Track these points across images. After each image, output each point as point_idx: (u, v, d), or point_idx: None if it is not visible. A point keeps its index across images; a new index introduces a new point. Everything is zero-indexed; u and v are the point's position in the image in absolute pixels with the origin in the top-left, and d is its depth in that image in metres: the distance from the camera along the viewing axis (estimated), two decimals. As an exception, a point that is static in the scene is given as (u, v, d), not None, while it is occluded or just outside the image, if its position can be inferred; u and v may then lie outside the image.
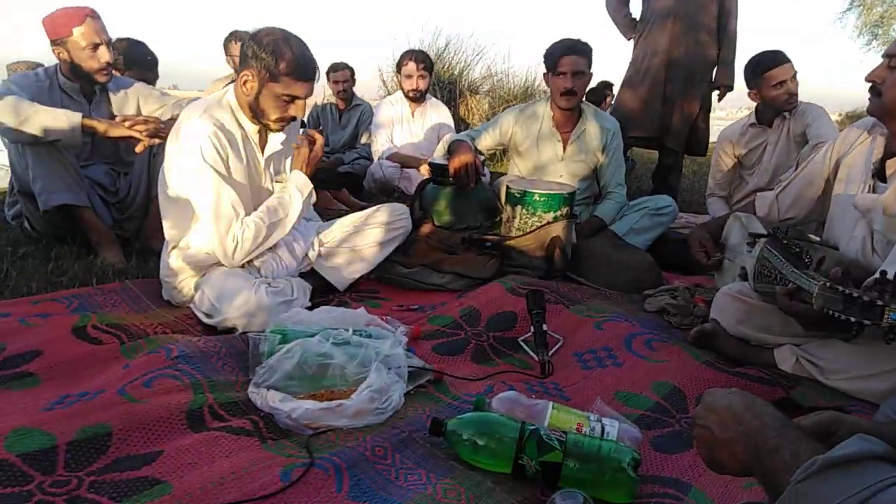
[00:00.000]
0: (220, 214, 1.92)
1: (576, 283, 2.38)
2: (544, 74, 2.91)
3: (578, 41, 2.82)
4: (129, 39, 3.41)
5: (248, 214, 1.99)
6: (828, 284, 1.21)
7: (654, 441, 1.41)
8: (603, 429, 1.31)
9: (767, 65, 2.90)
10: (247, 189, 2.01)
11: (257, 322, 1.83)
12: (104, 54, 2.47)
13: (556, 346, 1.84)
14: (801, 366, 1.67)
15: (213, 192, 1.90)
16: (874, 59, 1.99)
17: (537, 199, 2.53)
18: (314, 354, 1.49)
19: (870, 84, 1.72)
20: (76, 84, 2.53)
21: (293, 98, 1.92)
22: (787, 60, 2.91)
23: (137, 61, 3.34)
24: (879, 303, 1.10)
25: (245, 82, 1.91)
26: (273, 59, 1.86)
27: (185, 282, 2.03)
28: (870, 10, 15.54)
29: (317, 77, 1.96)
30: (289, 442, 1.29)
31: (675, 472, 1.30)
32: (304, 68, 1.90)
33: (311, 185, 2.11)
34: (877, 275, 1.14)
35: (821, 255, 1.55)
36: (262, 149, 2.08)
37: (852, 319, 1.14)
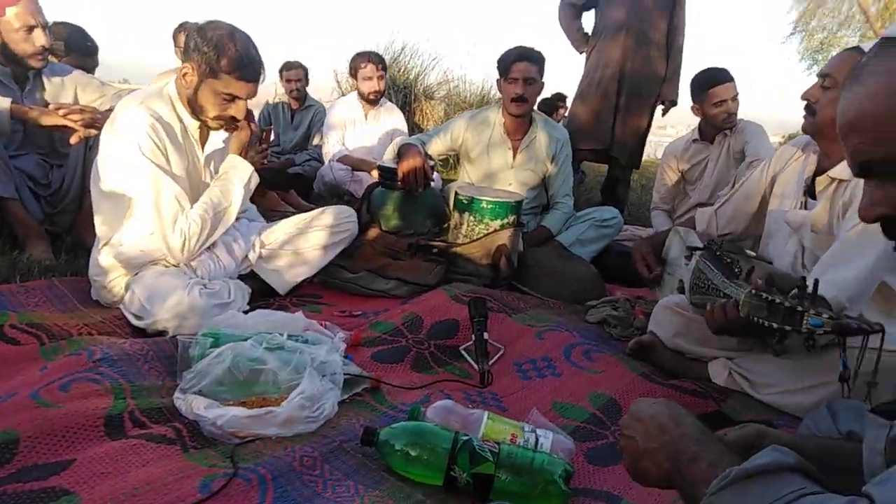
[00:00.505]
0: (162, 210, 1.85)
1: (520, 293, 2.39)
2: (497, 80, 2.92)
3: (531, 49, 2.84)
4: (68, 24, 3.26)
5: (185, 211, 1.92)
6: (753, 292, 1.24)
7: (588, 453, 1.42)
8: (537, 440, 1.31)
9: (711, 82, 2.98)
10: (186, 184, 1.94)
11: (189, 325, 1.76)
12: (39, 38, 2.35)
13: (497, 356, 1.83)
14: (734, 379, 1.70)
15: (153, 186, 1.83)
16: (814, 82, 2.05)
17: (485, 206, 2.53)
18: (246, 359, 1.44)
19: (805, 103, 1.78)
20: (7, 68, 2.40)
21: (233, 97, 1.87)
22: (730, 79, 2.99)
23: (77, 47, 3.20)
24: (799, 309, 1.13)
25: (185, 74, 1.85)
26: (215, 54, 1.80)
27: (116, 281, 1.94)
28: (811, 36, 16.27)
29: (261, 79, 1.91)
30: (213, 451, 1.24)
31: (606, 485, 1.30)
32: (246, 67, 1.84)
33: (252, 169, 2.05)
34: (798, 283, 1.17)
35: (750, 265, 1.59)
36: (203, 145, 2.01)
37: (774, 325, 1.17)
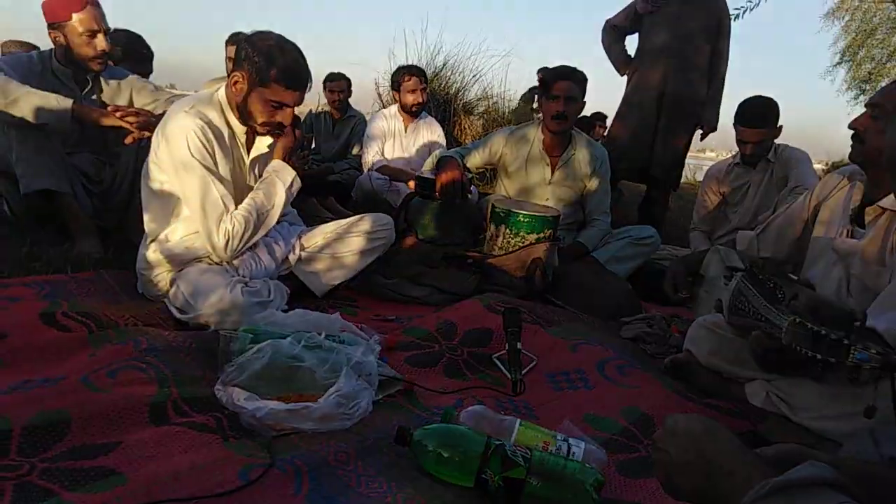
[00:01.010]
0: (208, 210, 1.91)
1: (554, 306, 2.39)
2: (538, 98, 2.94)
3: (574, 69, 2.86)
4: (127, 31, 3.40)
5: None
6: (797, 320, 1.22)
7: (620, 465, 1.41)
8: (569, 448, 1.31)
9: (738, 119, 2.95)
10: (231, 187, 2.00)
11: (231, 321, 1.80)
12: (101, 42, 2.46)
13: (530, 366, 1.84)
14: (771, 401, 1.68)
15: (202, 186, 1.89)
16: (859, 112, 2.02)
17: (522, 219, 2.54)
18: (284, 356, 1.47)
19: (852, 132, 1.76)
20: (69, 70, 2.51)
21: (281, 105, 1.93)
22: (758, 125, 2.91)
23: (133, 53, 3.33)
24: (846, 342, 1.11)
25: (235, 83, 1.91)
26: (265, 63, 1.86)
27: (161, 276, 2.01)
28: (859, 66, 15.93)
29: (308, 87, 1.97)
30: (251, 441, 1.27)
31: (637, 497, 1.29)
32: (294, 76, 1.90)
33: (294, 173, 2.10)
34: (844, 308, 1.15)
35: (794, 291, 1.56)
36: (249, 150, 2.08)
37: (818, 357, 1.15)
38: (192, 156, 1.87)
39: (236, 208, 1.99)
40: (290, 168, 2.10)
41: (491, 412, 1.41)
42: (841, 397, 1.56)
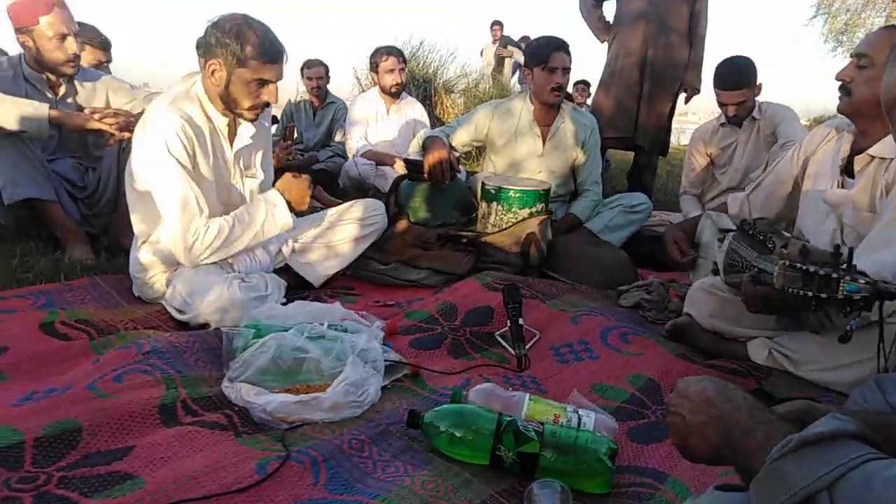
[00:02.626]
0: (181, 209, 1.86)
1: (551, 279, 2.39)
2: (525, 69, 2.91)
3: (563, 40, 2.84)
4: (81, 24, 3.30)
5: (214, 210, 1.96)
6: (787, 263, 1.23)
7: (631, 432, 1.43)
8: (580, 419, 1.32)
9: (717, 83, 2.94)
10: (212, 185, 1.97)
11: (231, 317, 1.79)
12: (71, 45, 2.40)
13: (533, 341, 1.85)
14: (774, 358, 1.70)
15: (176, 186, 1.85)
16: (839, 64, 2.02)
17: (513, 195, 2.54)
18: (289, 349, 1.47)
19: (839, 83, 1.76)
20: (42, 75, 2.46)
21: (264, 82, 1.89)
22: (736, 87, 2.88)
23: (92, 42, 3.23)
24: (835, 276, 1.12)
25: (213, 72, 1.87)
26: (238, 43, 1.82)
27: (156, 277, 1.99)
28: (834, 17, 15.96)
29: (285, 59, 1.93)
30: (264, 436, 1.28)
31: (651, 462, 1.31)
32: (270, 50, 1.87)
33: (283, 199, 2.05)
34: (830, 251, 1.16)
35: (784, 240, 1.58)
36: (232, 142, 2.05)
37: (810, 294, 1.16)
38: (170, 153, 1.83)
39: (218, 209, 1.96)
40: (280, 196, 2.05)
41: (500, 389, 1.42)
42: (844, 347, 1.57)
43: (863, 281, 1.11)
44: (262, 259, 2.14)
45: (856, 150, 1.77)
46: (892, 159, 1.66)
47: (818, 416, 0.92)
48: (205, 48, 1.87)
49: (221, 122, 1.98)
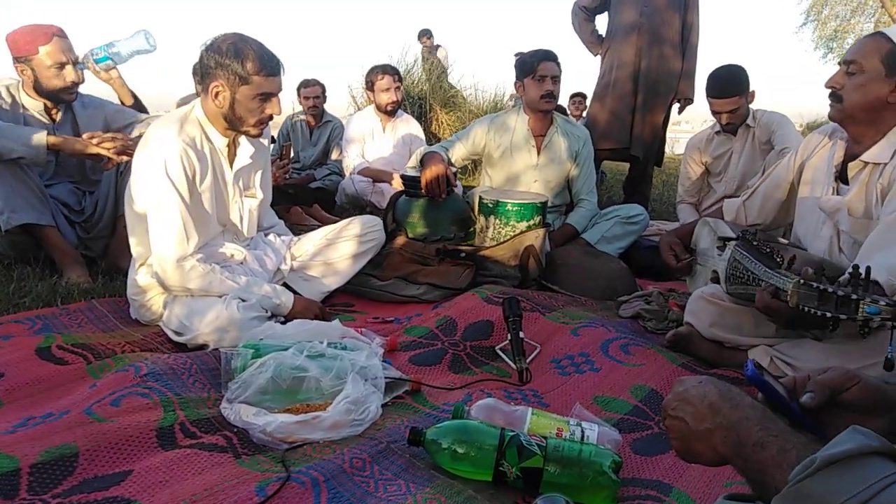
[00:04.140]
0: (170, 231, 1.86)
1: (551, 292, 2.39)
2: (517, 83, 2.94)
3: (551, 51, 2.89)
4: None
5: (213, 231, 1.95)
6: (802, 281, 1.22)
7: (634, 444, 1.41)
8: (583, 433, 1.31)
9: (709, 92, 2.96)
10: (213, 206, 1.98)
11: (229, 338, 1.79)
12: (70, 74, 2.42)
13: (534, 354, 1.83)
14: (776, 366, 1.69)
15: (169, 208, 1.85)
16: (831, 70, 2.01)
17: (510, 208, 2.54)
18: (288, 368, 1.46)
19: (830, 90, 1.76)
20: (39, 102, 2.47)
21: (267, 95, 1.90)
22: (729, 94, 2.91)
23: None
24: (854, 297, 1.11)
25: (217, 94, 1.88)
26: (238, 62, 1.83)
27: (154, 299, 1.98)
28: (824, 24, 16.12)
29: (283, 71, 1.95)
30: (264, 457, 1.26)
31: (655, 474, 1.30)
32: (270, 63, 1.88)
33: (290, 303, 2.03)
34: (849, 270, 1.16)
35: (791, 254, 1.57)
36: (232, 162, 2.05)
37: (828, 315, 1.15)
38: (168, 177, 1.83)
39: (214, 231, 1.95)
40: (290, 301, 2.03)
41: (502, 403, 1.41)
42: (845, 354, 1.57)
43: (883, 302, 1.10)
44: (261, 278, 2.13)
45: (849, 156, 1.78)
46: (885, 164, 1.66)
47: (858, 386, 0.85)
48: (204, 72, 1.89)
49: (222, 142, 1.99)
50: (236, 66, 1.84)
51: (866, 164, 1.71)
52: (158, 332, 1.92)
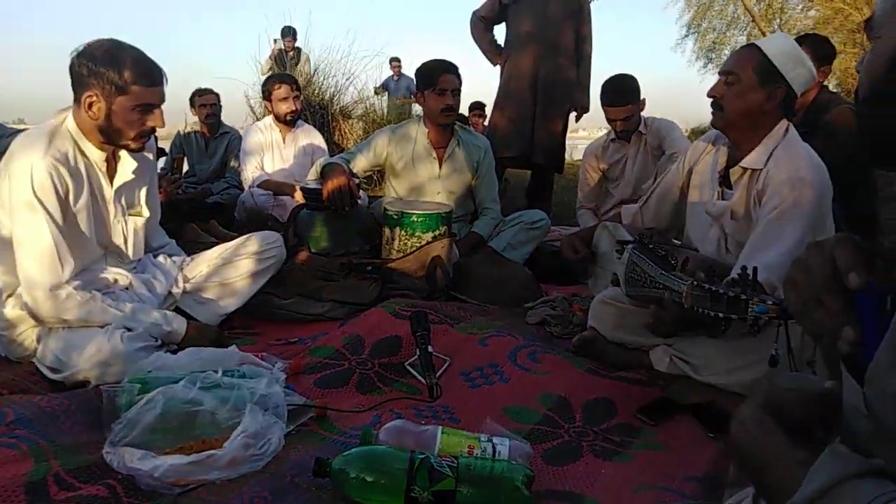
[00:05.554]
0: (39, 256, 1.69)
1: (459, 301, 2.37)
2: (416, 94, 2.92)
3: (452, 62, 2.87)
4: None
5: (93, 254, 1.79)
6: (695, 283, 1.26)
7: (546, 454, 1.41)
8: (494, 449, 1.28)
9: (603, 100, 3.08)
10: (91, 228, 1.82)
11: (113, 372, 1.63)
12: None
13: (444, 368, 1.80)
14: (675, 365, 1.74)
15: (39, 229, 1.68)
16: (712, 79, 2.14)
17: (415, 219, 2.51)
18: (180, 402, 1.35)
19: (711, 99, 1.85)
20: None
21: (148, 106, 1.77)
22: (622, 103, 3.01)
23: None
24: (743, 297, 1.16)
25: (90, 105, 1.72)
26: (115, 70, 1.69)
27: (26, 333, 1.79)
28: (703, 36, 17.30)
29: (165, 81, 1.82)
30: (153, 505, 1.15)
31: (567, 485, 1.29)
32: (150, 72, 1.76)
33: (184, 323, 1.92)
34: (737, 270, 1.20)
35: (684, 255, 1.63)
36: (112, 179, 1.89)
37: (720, 315, 1.19)
38: (35, 195, 1.66)
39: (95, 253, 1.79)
40: (184, 327, 1.91)
41: (411, 424, 1.36)
42: (739, 349, 1.64)
43: (770, 302, 1.15)
44: (150, 303, 1.98)
45: (731, 162, 1.87)
46: (761, 170, 1.76)
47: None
48: (76, 81, 1.72)
49: (98, 157, 1.83)
50: (112, 74, 1.69)
51: (745, 169, 1.81)
52: (32, 371, 1.73)
